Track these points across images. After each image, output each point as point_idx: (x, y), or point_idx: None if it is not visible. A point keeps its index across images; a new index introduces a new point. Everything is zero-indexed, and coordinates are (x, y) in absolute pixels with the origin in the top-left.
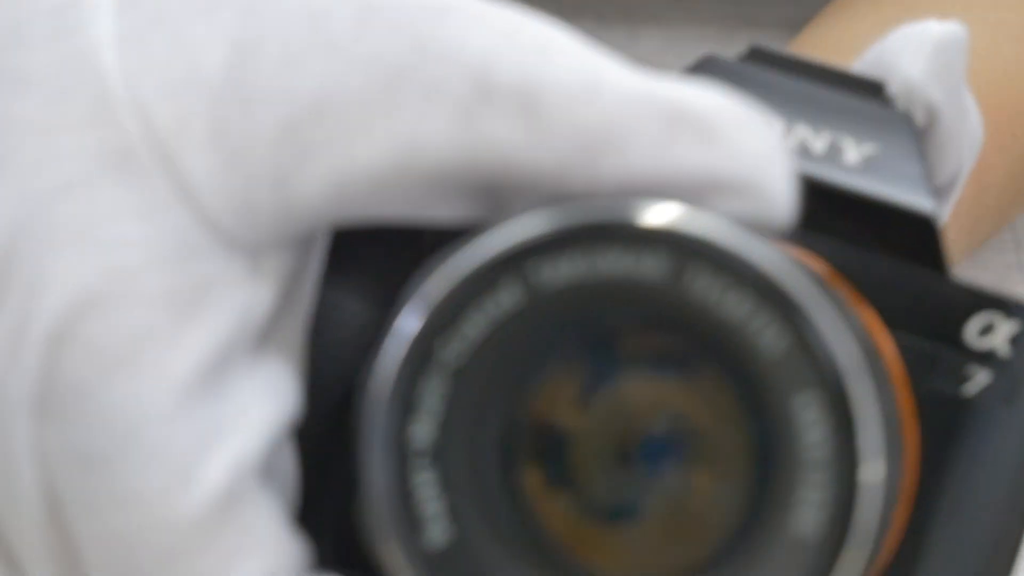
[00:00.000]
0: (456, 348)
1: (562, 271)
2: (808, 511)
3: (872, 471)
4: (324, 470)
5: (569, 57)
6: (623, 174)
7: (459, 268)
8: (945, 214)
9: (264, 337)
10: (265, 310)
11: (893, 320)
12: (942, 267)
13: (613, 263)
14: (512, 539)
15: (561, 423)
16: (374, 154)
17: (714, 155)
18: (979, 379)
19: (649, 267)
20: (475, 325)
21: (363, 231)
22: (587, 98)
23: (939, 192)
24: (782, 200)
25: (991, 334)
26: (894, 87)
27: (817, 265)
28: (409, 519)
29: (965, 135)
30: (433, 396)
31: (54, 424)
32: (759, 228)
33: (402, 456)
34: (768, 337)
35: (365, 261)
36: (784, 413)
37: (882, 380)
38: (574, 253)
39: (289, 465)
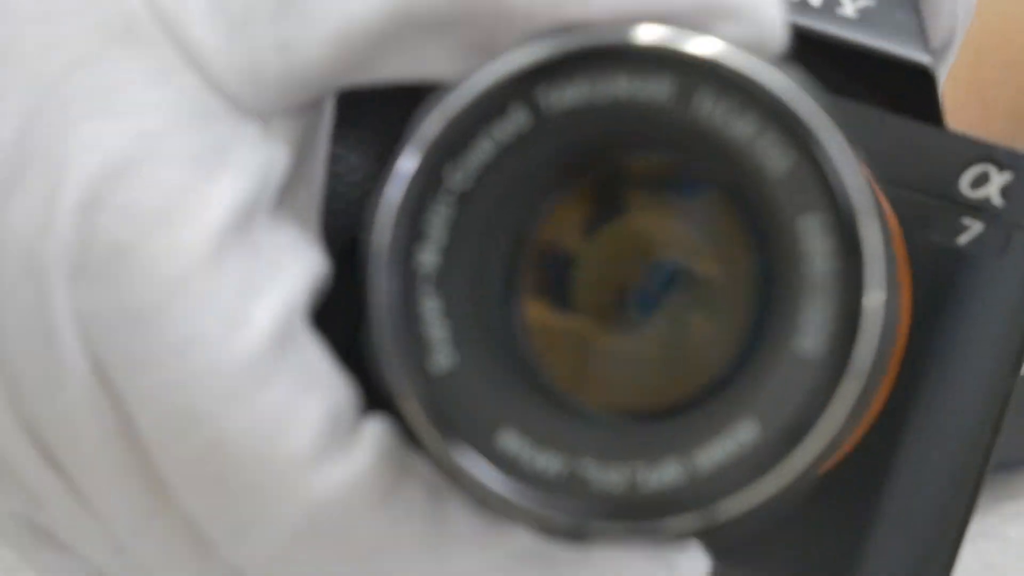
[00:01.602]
0: (462, 173)
1: (568, 94)
2: (811, 332)
3: (876, 297)
4: (328, 320)
5: None
6: (615, 3)
7: (465, 94)
8: (942, 77)
9: (281, 200)
10: (280, 172)
11: (889, 172)
12: (938, 120)
13: (619, 85)
14: (512, 369)
15: (566, 250)
16: (370, 7)
17: None
18: (972, 230)
19: (655, 89)
20: (481, 150)
21: (367, 93)
22: None
23: (935, 54)
24: (775, 25)
25: (985, 185)
26: None
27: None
28: (413, 343)
29: None
30: (439, 222)
31: (95, 287)
32: (757, 52)
33: (408, 281)
34: (775, 157)
35: (368, 118)
36: (790, 235)
37: (883, 217)
38: (580, 76)
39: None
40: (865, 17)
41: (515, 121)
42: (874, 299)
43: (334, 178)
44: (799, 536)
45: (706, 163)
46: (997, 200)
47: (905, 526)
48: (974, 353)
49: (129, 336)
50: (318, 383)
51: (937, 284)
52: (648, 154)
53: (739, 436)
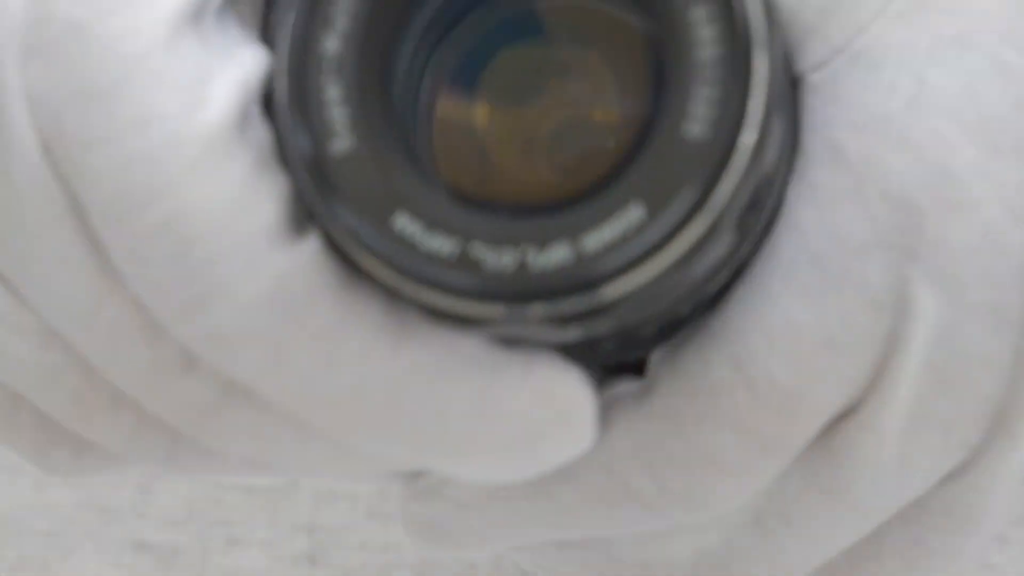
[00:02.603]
0: None
1: None
2: (699, 117)
3: (760, 84)
4: None
5: None
6: None
7: None
8: None
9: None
10: None
11: None
12: None
13: None
14: (409, 157)
15: (476, 48)
16: None
17: None
18: None
19: None
20: None
21: None
22: None
23: None
24: None
25: None
26: None
27: None
28: (314, 125)
29: None
30: (342, 7)
31: (49, 66)
32: None
33: (311, 65)
34: None
35: None
36: (681, 24)
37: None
38: None
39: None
40: None
41: None
42: (758, 87)
43: None
44: None
45: None
46: None
47: None
48: None
49: (83, 113)
50: (277, 165)
51: None
52: None
53: (627, 219)
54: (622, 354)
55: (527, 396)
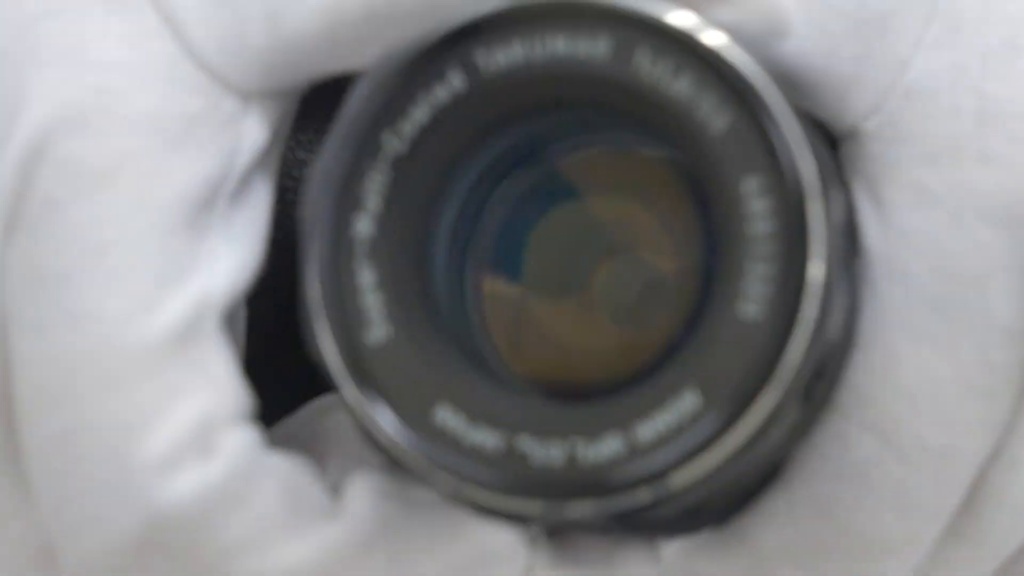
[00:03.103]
0: (397, 137)
1: (506, 54)
2: (754, 297)
3: (817, 262)
4: (271, 316)
5: None
6: None
7: (402, 58)
8: None
9: (243, 183)
10: (248, 158)
11: None
12: None
13: (557, 44)
14: (448, 341)
15: (512, 221)
16: None
17: None
18: None
19: (593, 47)
20: (418, 113)
21: (324, 85)
22: None
23: None
24: (775, 10)
25: None
26: None
27: None
28: (348, 315)
29: None
30: (374, 189)
31: (20, 240)
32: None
33: (344, 250)
34: (714, 116)
35: (324, 110)
36: (732, 198)
37: (825, 175)
38: (518, 35)
39: (240, 321)
40: None
41: (451, 83)
42: (816, 263)
43: (287, 171)
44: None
45: (650, 124)
46: None
47: None
48: None
49: (36, 297)
50: (208, 386)
51: None
52: (591, 118)
53: (681, 407)
54: (683, 529)
55: None
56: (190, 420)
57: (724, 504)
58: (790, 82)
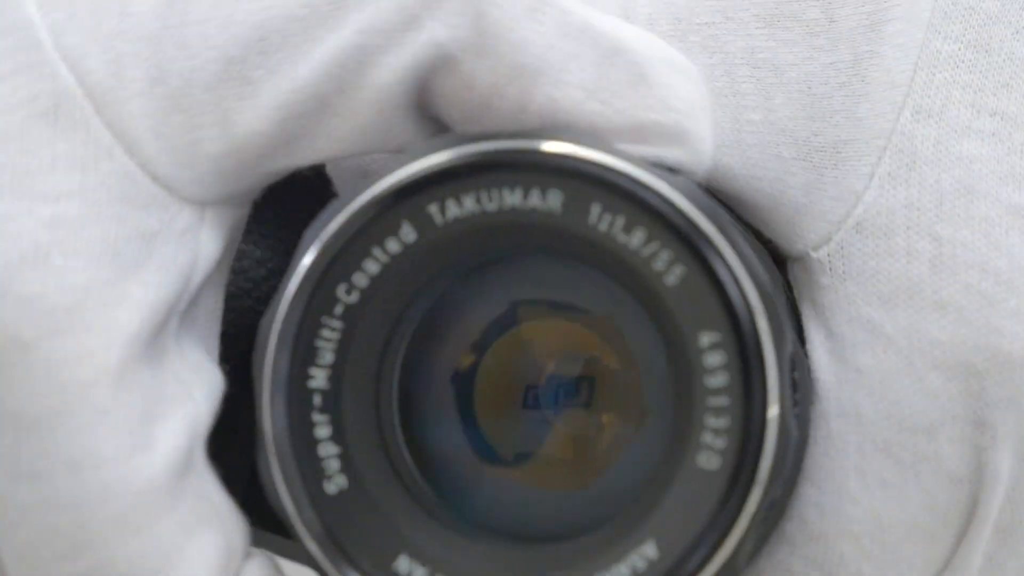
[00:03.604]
0: (349, 288)
1: (459, 206)
2: (711, 447)
3: (774, 411)
4: (229, 424)
5: None
6: (553, 107)
7: (354, 206)
8: None
9: (198, 295)
10: (206, 267)
11: None
12: None
13: (513, 198)
14: (406, 490)
15: (463, 367)
16: (318, 67)
17: (644, 99)
18: None
19: (547, 201)
20: (370, 264)
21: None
22: (531, 16)
23: None
24: (705, 150)
25: None
26: None
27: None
28: (306, 469)
29: None
30: (327, 342)
31: None
32: (678, 174)
33: (300, 405)
34: (668, 270)
35: (270, 212)
36: (692, 350)
37: (779, 326)
38: (472, 188)
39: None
40: None
41: (405, 233)
42: (773, 412)
43: (241, 274)
44: None
45: (604, 276)
46: None
47: None
48: None
49: (17, 443)
50: (213, 517)
51: None
52: (542, 268)
53: (637, 560)
54: None
55: None
56: (214, 551)
57: None
58: (739, 203)
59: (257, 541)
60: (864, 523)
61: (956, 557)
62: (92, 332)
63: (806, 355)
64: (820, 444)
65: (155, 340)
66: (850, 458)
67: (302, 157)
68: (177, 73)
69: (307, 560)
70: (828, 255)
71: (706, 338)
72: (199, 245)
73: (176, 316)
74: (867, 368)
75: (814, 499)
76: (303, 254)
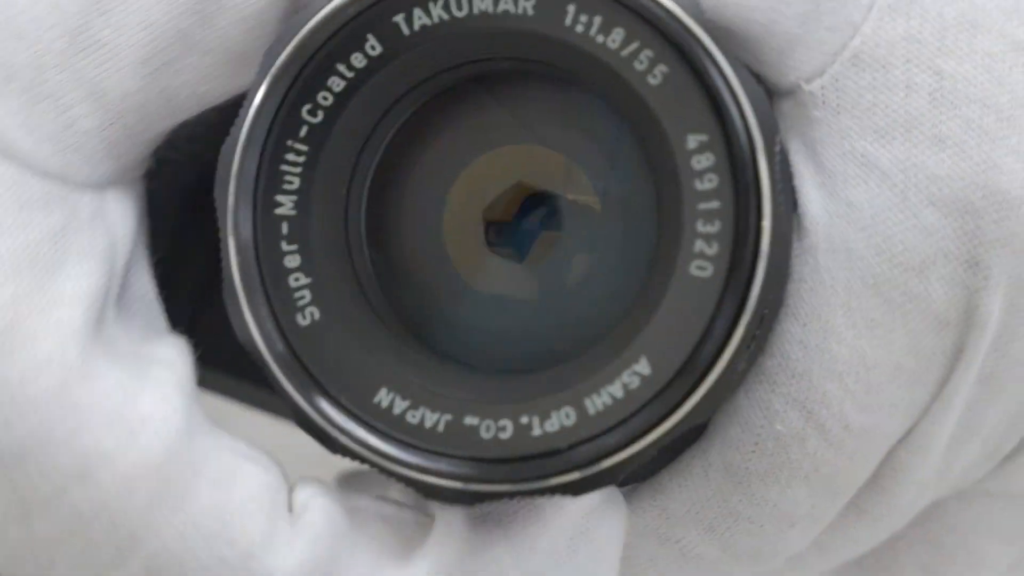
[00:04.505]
0: (314, 107)
1: (428, 14)
2: (703, 257)
3: (767, 210)
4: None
5: None
6: None
7: (315, 21)
8: None
9: (125, 280)
10: (125, 246)
11: None
12: None
13: (478, 4)
14: (383, 321)
15: (433, 195)
16: (168, 4)
17: None
18: None
19: (517, 5)
20: (336, 80)
21: None
22: None
23: None
24: None
25: None
26: None
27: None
28: (275, 299)
29: None
30: (293, 163)
31: None
32: None
33: (265, 232)
34: (649, 70)
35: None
36: (680, 155)
37: (768, 125)
38: None
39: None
40: None
41: (370, 47)
42: (767, 210)
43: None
44: None
45: (585, 83)
46: None
47: None
48: None
49: (15, 473)
50: (242, 464)
51: None
52: (522, 77)
53: (630, 378)
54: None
55: None
56: (258, 490)
57: (649, 460)
58: (729, 34)
59: (208, 382)
60: (849, 362)
61: (937, 402)
62: (40, 339)
63: (793, 190)
64: (807, 280)
65: (101, 330)
66: (838, 295)
67: (186, 107)
68: (25, 64)
69: (280, 407)
70: (822, 87)
71: (693, 140)
72: (111, 226)
73: (112, 303)
74: (859, 203)
75: (798, 336)
76: (264, 75)
